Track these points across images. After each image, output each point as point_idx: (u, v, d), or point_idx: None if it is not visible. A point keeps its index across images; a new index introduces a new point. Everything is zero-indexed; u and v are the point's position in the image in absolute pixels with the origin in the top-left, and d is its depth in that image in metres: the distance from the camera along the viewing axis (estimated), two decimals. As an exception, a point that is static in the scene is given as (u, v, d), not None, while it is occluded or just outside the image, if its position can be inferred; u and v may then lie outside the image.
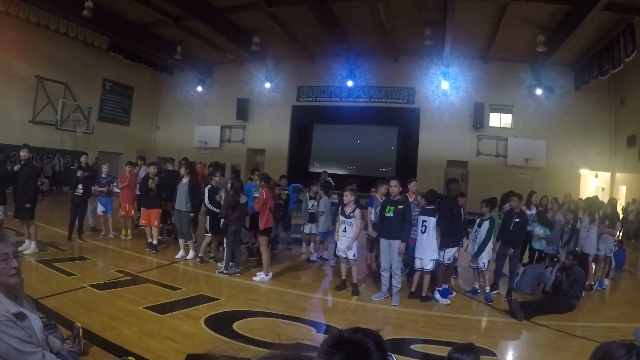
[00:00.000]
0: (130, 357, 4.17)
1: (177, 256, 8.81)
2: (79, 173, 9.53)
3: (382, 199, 7.86)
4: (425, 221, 6.91)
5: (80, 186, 9.36)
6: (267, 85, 20.69)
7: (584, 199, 10.17)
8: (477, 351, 2.60)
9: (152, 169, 9.40)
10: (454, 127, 18.45)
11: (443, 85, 17.41)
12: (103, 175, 10.57)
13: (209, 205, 8.49)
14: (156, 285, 6.99)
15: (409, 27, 15.77)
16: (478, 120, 18.37)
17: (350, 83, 19.09)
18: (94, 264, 8.18)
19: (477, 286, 7.58)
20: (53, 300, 5.63)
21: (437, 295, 6.89)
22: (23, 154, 8.41)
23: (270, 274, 7.76)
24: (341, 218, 7.31)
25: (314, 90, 21.02)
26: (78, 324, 4.36)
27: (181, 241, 8.97)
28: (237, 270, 7.95)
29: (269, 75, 20.53)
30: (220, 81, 23.12)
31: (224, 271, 7.86)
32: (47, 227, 10.30)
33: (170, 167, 10.51)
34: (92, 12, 15.33)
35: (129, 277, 7.32)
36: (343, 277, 7.42)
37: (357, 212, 7.17)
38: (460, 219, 7.48)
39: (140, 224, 9.76)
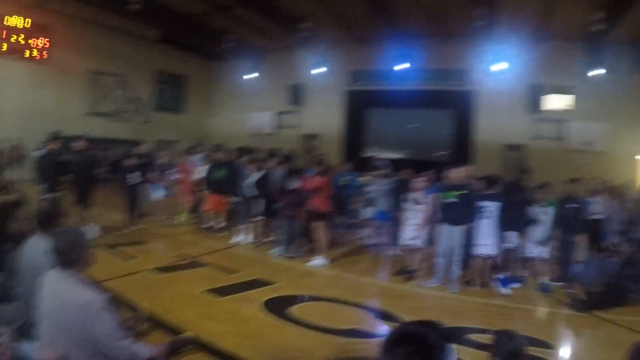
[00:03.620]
0: (189, 332, 4.26)
1: (233, 240, 8.87)
2: (126, 162, 9.72)
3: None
4: (486, 206, 6.70)
5: (134, 174, 9.56)
6: (319, 70, 20.36)
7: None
8: (519, 338, 2.60)
9: (219, 156, 9.50)
10: (510, 109, 17.73)
11: (497, 67, 16.71)
12: (162, 162, 10.77)
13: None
14: (214, 268, 7.13)
15: (460, 7, 15.16)
16: (534, 102, 17.60)
17: (402, 66, 18.61)
18: (153, 247, 8.45)
19: (523, 274, 7.29)
20: (115, 282, 5.74)
21: (497, 283, 6.61)
22: (80, 144, 8.77)
23: (328, 259, 7.69)
24: (408, 205, 7.19)
25: (367, 74, 20.66)
26: (146, 304, 4.42)
27: (239, 226, 9.06)
28: (294, 255, 7.97)
29: (321, 60, 20.18)
30: (273, 68, 22.98)
31: (282, 254, 7.90)
32: (107, 212, 10.60)
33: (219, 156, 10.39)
34: (142, 6, 15.68)
35: (188, 261, 7.49)
36: (405, 264, 7.24)
37: (429, 197, 7.01)
38: (525, 205, 7.13)
39: (206, 209, 9.82)
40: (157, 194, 10.66)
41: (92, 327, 2.40)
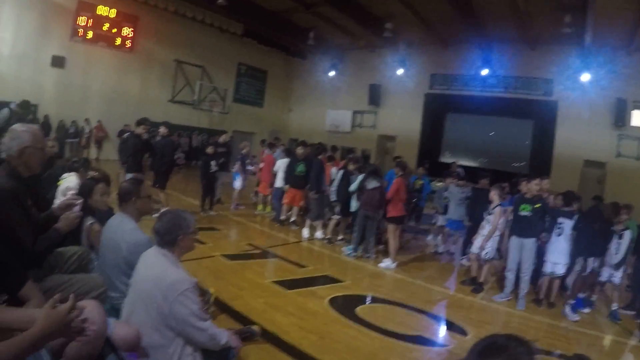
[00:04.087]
0: (255, 326, 4.28)
1: (306, 235, 8.96)
2: (209, 149, 9.94)
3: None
4: (562, 223, 6.41)
5: (214, 162, 9.77)
6: (400, 71, 20.19)
7: None
8: None
9: (300, 150, 9.60)
10: (593, 123, 16.57)
11: (582, 78, 15.88)
12: (243, 152, 11.02)
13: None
14: (284, 261, 7.24)
15: (547, 13, 14.49)
16: (619, 117, 16.35)
17: (485, 72, 18.13)
18: (224, 235, 8.65)
19: (593, 298, 6.90)
20: (185, 265, 5.84)
21: (567, 309, 6.19)
22: (163, 129, 9.17)
23: (396, 262, 7.62)
24: (484, 215, 7.07)
25: (447, 78, 20.19)
26: (212, 290, 4.46)
27: (312, 221, 9.13)
28: (365, 255, 7.95)
29: (402, 61, 20.03)
30: (353, 66, 23.01)
31: (353, 254, 7.87)
32: (182, 197, 10.95)
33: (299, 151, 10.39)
34: (227, 0, 16.15)
35: (258, 251, 7.66)
36: (473, 274, 6.98)
37: (497, 209, 6.82)
38: (605, 229, 6.65)
39: (284, 202, 9.88)
40: (236, 183, 10.91)
41: (176, 305, 2.48)
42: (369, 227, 7.89)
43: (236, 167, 10.78)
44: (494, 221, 6.77)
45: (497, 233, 6.85)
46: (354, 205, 8.36)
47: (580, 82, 16.00)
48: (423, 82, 20.46)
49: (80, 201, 3.34)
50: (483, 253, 6.81)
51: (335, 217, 8.80)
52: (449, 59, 19.69)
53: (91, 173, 4.86)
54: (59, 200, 4.51)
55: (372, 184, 7.76)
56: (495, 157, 19.09)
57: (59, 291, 2.73)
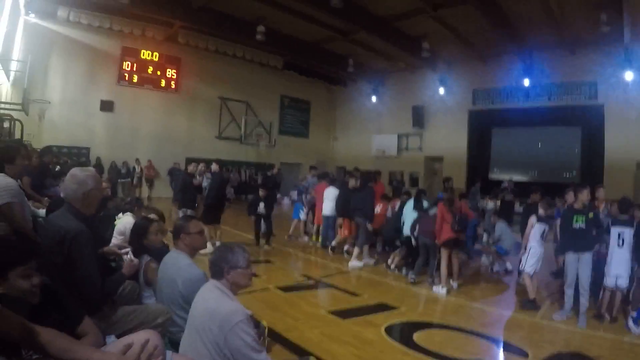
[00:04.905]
0: (311, 357, 4.26)
1: (359, 263, 8.86)
2: (261, 192, 9.99)
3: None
4: (622, 233, 6.08)
5: (262, 205, 9.83)
6: (441, 90, 20.21)
7: None
8: None
9: (353, 183, 9.56)
10: (642, 123, 16.01)
11: (626, 77, 15.36)
12: (303, 183, 11.42)
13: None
14: (338, 290, 7.20)
15: (583, 13, 14.12)
16: (672, 117, 15.63)
17: (526, 82, 17.79)
18: (279, 267, 8.68)
19: None
20: (239, 297, 5.89)
21: (631, 322, 5.84)
22: (214, 166, 9.46)
23: (452, 285, 7.51)
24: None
25: (490, 92, 19.92)
26: (264, 323, 4.49)
27: (361, 248, 9.03)
28: (421, 280, 7.84)
29: (442, 80, 20.06)
30: (394, 90, 23.14)
31: (409, 279, 7.81)
32: (233, 231, 11.10)
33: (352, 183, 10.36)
34: (265, 35, 16.84)
35: (313, 281, 7.68)
36: (532, 297, 6.70)
37: (530, 219, 6.78)
38: None
39: (342, 234, 9.81)
40: (300, 214, 11.13)
41: (231, 337, 2.52)
42: (421, 252, 7.82)
43: (297, 197, 10.93)
44: (525, 231, 6.70)
45: (537, 246, 6.67)
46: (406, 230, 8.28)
47: (625, 82, 15.52)
48: (466, 99, 20.34)
49: (127, 250, 3.64)
50: (527, 268, 6.67)
51: (398, 252, 8.72)
52: (489, 73, 19.49)
53: (147, 213, 5.03)
54: (116, 239, 4.71)
55: (423, 210, 7.76)
56: (545, 168, 18.70)
57: (128, 321, 3.05)
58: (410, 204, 8.43)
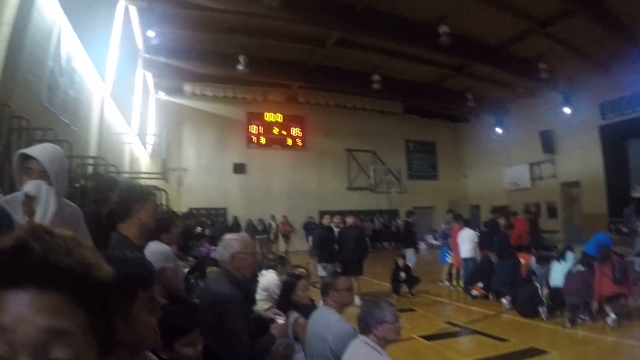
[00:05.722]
0: None
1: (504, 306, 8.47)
2: (400, 263, 10.02)
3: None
4: None
5: (402, 274, 9.91)
6: (567, 110, 19.12)
7: None
8: None
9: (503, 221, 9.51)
10: None
11: None
12: (446, 227, 11.43)
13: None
14: (484, 336, 6.89)
15: None
16: None
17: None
18: (421, 315, 8.50)
19: None
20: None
21: None
22: (350, 219, 9.76)
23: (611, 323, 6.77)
24: None
25: (618, 102, 18.19)
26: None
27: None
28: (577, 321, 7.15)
29: (566, 98, 19.00)
30: (518, 118, 22.38)
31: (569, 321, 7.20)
32: (372, 280, 11.15)
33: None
34: (380, 83, 17.36)
35: (457, 328, 7.45)
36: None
37: None
38: None
39: None
40: (447, 258, 11.04)
41: None
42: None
43: (442, 242, 10.86)
44: None
45: None
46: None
47: None
48: (593, 115, 18.88)
49: (282, 318, 3.86)
50: None
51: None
52: (614, 82, 17.88)
53: (292, 270, 5.33)
54: (259, 295, 5.04)
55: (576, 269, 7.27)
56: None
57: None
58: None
